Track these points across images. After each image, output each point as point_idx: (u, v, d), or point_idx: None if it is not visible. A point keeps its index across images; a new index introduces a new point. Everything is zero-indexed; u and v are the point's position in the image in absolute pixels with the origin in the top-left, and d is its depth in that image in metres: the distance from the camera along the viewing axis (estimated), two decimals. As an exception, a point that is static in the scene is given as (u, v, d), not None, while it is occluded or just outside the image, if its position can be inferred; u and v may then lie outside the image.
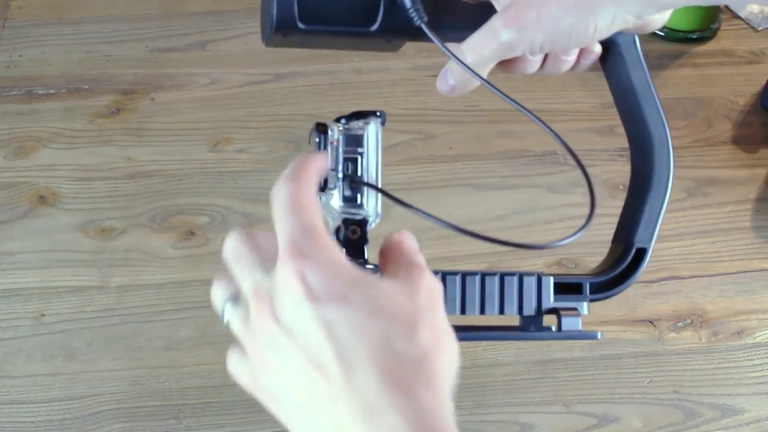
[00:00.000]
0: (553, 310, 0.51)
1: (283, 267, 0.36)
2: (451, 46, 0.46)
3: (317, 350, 0.35)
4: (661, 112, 0.51)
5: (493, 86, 0.46)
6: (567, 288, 0.52)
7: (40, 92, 0.90)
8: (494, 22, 0.45)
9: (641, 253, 0.53)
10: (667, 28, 0.97)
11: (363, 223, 0.45)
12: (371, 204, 0.45)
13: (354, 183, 0.44)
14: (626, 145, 0.83)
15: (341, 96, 0.89)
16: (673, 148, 0.51)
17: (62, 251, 0.77)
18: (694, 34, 0.97)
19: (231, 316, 0.41)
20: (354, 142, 0.45)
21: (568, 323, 0.50)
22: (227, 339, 0.74)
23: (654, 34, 0.97)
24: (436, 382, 0.38)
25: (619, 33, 0.47)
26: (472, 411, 0.68)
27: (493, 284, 0.49)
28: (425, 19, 0.45)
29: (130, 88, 0.91)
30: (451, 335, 0.39)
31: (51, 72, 0.92)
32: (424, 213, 0.42)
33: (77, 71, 0.93)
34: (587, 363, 0.71)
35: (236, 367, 0.40)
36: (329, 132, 0.45)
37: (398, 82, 0.92)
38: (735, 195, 0.83)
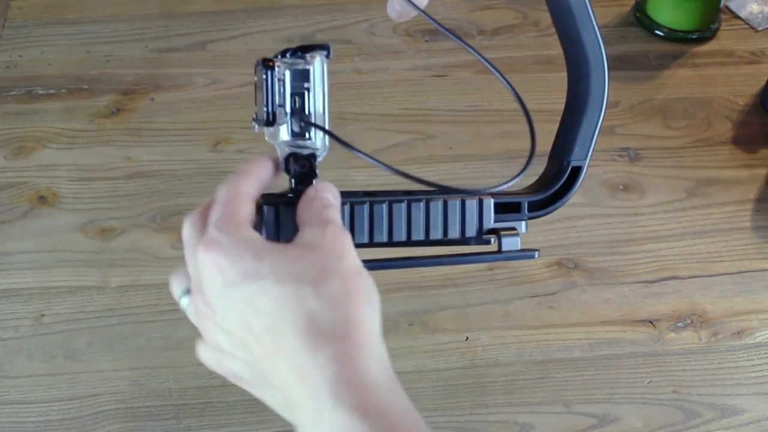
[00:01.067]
0: (492, 231, 0.51)
1: (201, 260, 0.39)
2: None
3: (247, 328, 0.38)
4: (597, 33, 0.50)
5: (429, 17, 0.48)
6: (506, 207, 0.52)
7: (40, 92, 0.90)
8: None
9: (576, 171, 0.54)
10: (667, 28, 0.97)
11: (312, 157, 0.46)
12: (319, 137, 0.46)
13: (303, 122, 0.45)
14: (626, 145, 0.84)
15: (341, 96, 0.89)
16: (608, 70, 0.51)
17: (62, 251, 0.77)
18: (694, 34, 0.97)
19: (186, 307, 0.44)
20: (300, 77, 0.46)
21: (508, 243, 0.50)
22: (227, 339, 0.74)
23: (654, 34, 0.97)
24: (354, 330, 0.40)
25: None
26: (472, 411, 0.68)
27: (437, 209, 0.49)
28: None
29: (130, 88, 0.91)
30: (364, 276, 0.41)
31: (51, 72, 0.92)
32: (366, 155, 0.43)
33: (77, 71, 0.93)
34: (587, 363, 0.71)
35: (202, 353, 0.43)
36: (276, 68, 0.45)
37: (398, 82, 0.92)
38: (735, 195, 0.83)
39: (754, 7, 1.01)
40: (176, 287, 0.44)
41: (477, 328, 0.73)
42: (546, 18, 0.99)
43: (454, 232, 0.50)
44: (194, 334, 0.74)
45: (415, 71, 0.93)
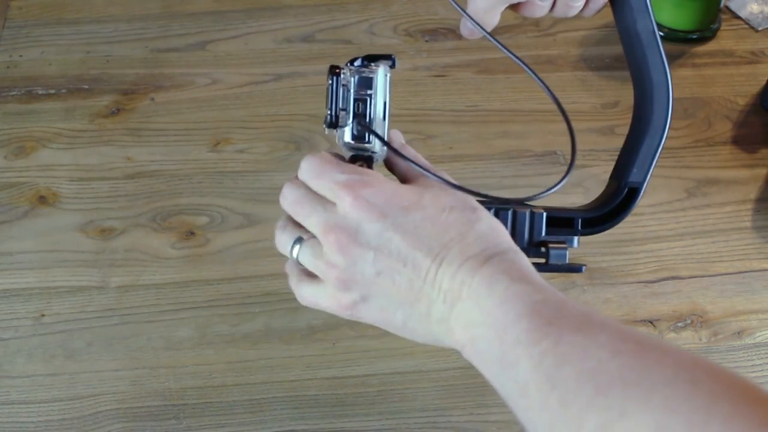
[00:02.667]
0: (542, 243, 0.52)
1: (351, 199, 0.44)
2: None
3: (406, 252, 0.43)
4: (664, 57, 0.53)
5: (494, 39, 0.51)
6: (559, 222, 0.54)
7: (40, 92, 0.90)
8: None
9: (633, 192, 0.55)
10: (668, 28, 0.97)
11: (370, 159, 0.50)
12: (377, 142, 0.49)
13: (361, 126, 0.49)
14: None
15: (341, 96, 0.89)
16: (673, 94, 0.53)
17: (62, 251, 0.77)
18: (694, 34, 0.97)
19: (301, 254, 0.47)
20: (364, 84, 0.49)
21: (556, 255, 0.52)
22: (227, 339, 0.75)
23: (654, 34, 0.97)
24: (516, 249, 0.45)
25: None
26: (473, 411, 0.68)
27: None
28: None
29: (130, 88, 0.91)
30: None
31: (51, 72, 0.92)
32: (419, 166, 0.47)
33: (77, 71, 0.93)
34: (587, 363, 0.71)
35: (315, 295, 0.47)
36: (342, 74, 0.49)
37: (398, 82, 0.92)
38: (735, 195, 0.83)
39: (754, 7, 1.01)
40: (286, 237, 0.49)
41: (477, 328, 0.73)
42: (546, 18, 0.99)
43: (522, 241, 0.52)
44: (195, 334, 0.74)
45: (415, 71, 0.93)
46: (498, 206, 0.51)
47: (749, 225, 0.81)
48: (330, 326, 0.72)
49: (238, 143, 0.86)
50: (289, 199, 0.48)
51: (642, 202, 0.82)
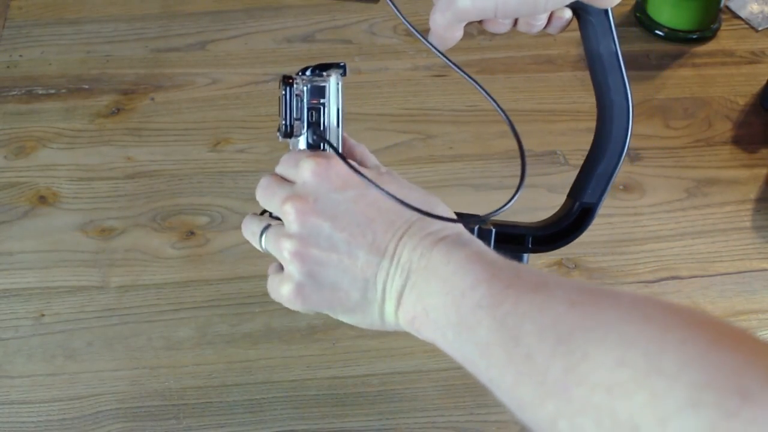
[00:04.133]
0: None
1: (313, 166, 0.45)
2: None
3: (366, 224, 0.44)
4: (626, 81, 0.52)
5: (447, 59, 0.53)
6: (510, 239, 0.54)
7: (40, 92, 0.90)
8: None
9: (587, 212, 0.55)
10: (668, 28, 0.97)
11: None
12: (330, 150, 0.50)
13: (316, 135, 0.50)
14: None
15: (341, 96, 0.89)
16: (633, 117, 0.52)
17: (62, 251, 0.77)
18: (694, 34, 0.97)
19: (265, 240, 0.48)
20: (317, 93, 0.50)
21: None
22: (227, 339, 0.75)
23: (654, 33, 0.97)
24: (460, 228, 0.46)
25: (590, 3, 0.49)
26: (472, 411, 0.68)
27: None
28: None
29: (130, 88, 0.91)
30: None
31: (51, 72, 0.92)
32: (368, 180, 0.47)
33: (77, 71, 0.93)
34: (587, 363, 0.71)
35: (273, 282, 0.48)
36: (295, 84, 0.50)
37: (398, 82, 0.92)
38: (735, 195, 0.83)
39: (754, 7, 1.01)
40: (253, 227, 0.50)
41: (477, 328, 0.73)
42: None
43: None
44: (195, 334, 0.74)
45: (415, 71, 0.93)
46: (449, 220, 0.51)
47: (749, 225, 0.81)
48: (330, 326, 0.72)
49: (238, 143, 0.86)
50: (260, 187, 0.50)
51: (642, 202, 0.82)
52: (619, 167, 0.54)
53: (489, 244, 0.52)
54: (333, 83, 0.50)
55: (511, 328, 0.38)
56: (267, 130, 0.87)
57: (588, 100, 0.90)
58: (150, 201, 0.81)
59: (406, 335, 0.72)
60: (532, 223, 0.56)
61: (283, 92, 0.50)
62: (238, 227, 0.79)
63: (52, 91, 0.91)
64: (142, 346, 0.71)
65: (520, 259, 0.54)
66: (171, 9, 0.99)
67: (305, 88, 0.50)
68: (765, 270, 0.78)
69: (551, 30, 0.52)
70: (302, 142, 0.51)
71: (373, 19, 0.98)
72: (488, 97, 0.51)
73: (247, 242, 0.78)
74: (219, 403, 0.68)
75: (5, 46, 0.95)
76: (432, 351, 0.72)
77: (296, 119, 0.50)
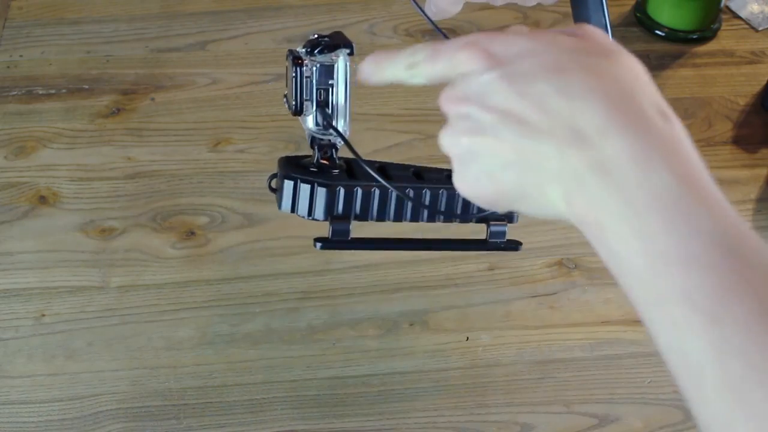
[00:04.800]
0: (483, 219, 0.54)
1: (510, 40, 0.37)
2: None
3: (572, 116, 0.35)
4: (607, 21, 0.54)
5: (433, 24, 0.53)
6: None
7: (40, 92, 0.90)
8: None
9: None
10: (668, 28, 0.97)
11: (333, 147, 0.52)
12: (340, 127, 0.51)
13: (323, 117, 0.50)
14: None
15: (341, 96, 0.89)
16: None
17: (62, 251, 0.77)
18: (694, 34, 0.97)
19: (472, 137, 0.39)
20: (326, 73, 0.50)
21: (495, 233, 0.54)
22: (227, 339, 0.75)
23: (654, 34, 0.97)
24: (668, 109, 0.39)
25: None
26: (472, 411, 0.68)
27: (437, 196, 0.54)
28: None
29: (130, 88, 0.91)
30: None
31: (51, 72, 0.92)
32: (365, 163, 0.48)
33: (77, 71, 0.93)
34: (587, 363, 0.71)
35: (472, 179, 0.40)
36: (305, 66, 0.50)
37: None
38: (736, 195, 0.83)
39: (755, 7, 1.01)
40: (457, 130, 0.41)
41: (477, 328, 0.73)
42: (546, 18, 0.99)
43: (455, 217, 0.54)
44: (195, 334, 0.74)
45: (416, 71, 0.93)
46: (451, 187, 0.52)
47: (749, 225, 0.81)
48: (330, 326, 0.72)
49: (238, 143, 0.86)
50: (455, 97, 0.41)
51: (642, 202, 0.82)
52: None
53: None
54: (342, 64, 0.50)
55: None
56: (267, 130, 0.87)
57: (588, 100, 0.90)
58: (150, 201, 0.81)
59: (406, 335, 0.72)
60: None
61: (293, 73, 0.49)
62: (239, 227, 0.79)
63: (52, 91, 0.91)
64: (142, 346, 0.71)
65: (510, 219, 0.55)
66: (171, 9, 0.99)
67: (314, 68, 0.50)
68: (765, 270, 0.77)
69: (545, 1, 0.52)
70: (310, 122, 0.51)
71: (373, 19, 0.98)
72: None
73: (248, 242, 0.78)
74: (219, 403, 0.68)
75: (5, 46, 0.95)
76: (432, 351, 0.72)
77: (306, 99, 0.50)
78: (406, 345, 0.72)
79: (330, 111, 0.50)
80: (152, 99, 0.90)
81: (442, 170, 0.56)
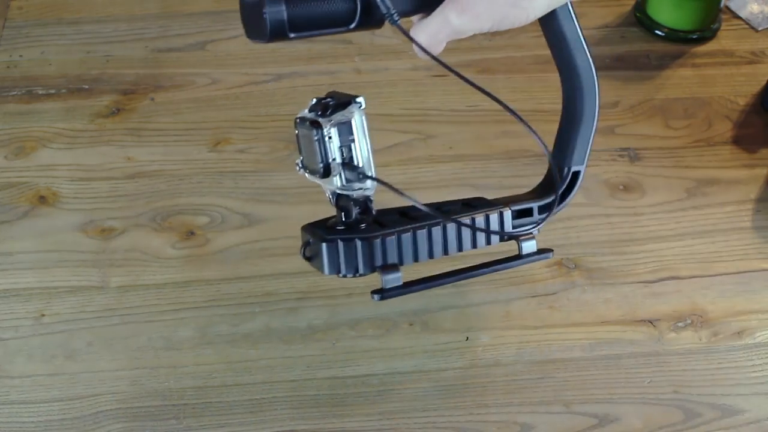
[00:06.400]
0: (512, 238, 0.58)
1: None
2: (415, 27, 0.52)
3: None
4: (589, 57, 0.57)
5: (444, 64, 0.53)
6: (522, 213, 0.59)
7: (40, 92, 0.90)
8: (446, 11, 0.50)
9: (576, 175, 0.61)
10: (668, 28, 0.97)
11: (368, 200, 0.53)
12: (369, 182, 0.52)
13: (353, 171, 0.51)
14: (626, 145, 0.84)
15: (341, 96, 0.89)
16: (599, 86, 0.59)
17: (62, 251, 0.77)
18: (694, 34, 0.97)
19: None
20: (345, 131, 0.51)
21: (527, 246, 0.58)
22: (227, 339, 0.75)
23: (654, 33, 0.97)
24: None
25: None
26: (472, 411, 0.68)
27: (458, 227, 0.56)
28: (397, 19, 0.50)
29: (130, 88, 0.91)
30: None
31: (51, 72, 0.92)
32: (414, 200, 0.49)
33: (77, 71, 0.93)
34: (587, 363, 0.71)
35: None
36: (324, 128, 0.50)
37: (398, 82, 0.92)
38: (735, 195, 0.83)
39: (754, 7, 1.01)
40: None
41: (477, 328, 0.73)
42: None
43: (481, 242, 0.57)
44: (195, 334, 0.74)
45: (415, 71, 0.93)
46: (473, 212, 0.56)
47: (749, 225, 0.81)
48: (330, 326, 0.73)
49: (238, 143, 0.86)
50: None
51: (642, 202, 0.82)
52: (595, 130, 0.60)
53: (509, 224, 0.58)
54: (358, 117, 0.51)
55: None
56: (267, 130, 0.87)
57: (588, 100, 0.90)
58: (150, 201, 0.81)
59: (406, 335, 0.72)
60: (524, 194, 0.61)
61: (316, 137, 0.50)
62: (239, 227, 0.79)
63: (52, 91, 0.91)
64: (142, 346, 0.71)
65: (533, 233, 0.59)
66: (171, 9, 0.99)
67: (334, 129, 0.51)
68: (765, 270, 0.78)
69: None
70: (337, 181, 0.51)
71: (373, 19, 0.97)
72: (509, 111, 0.54)
73: (248, 242, 0.78)
74: (219, 403, 0.68)
75: (5, 46, 0.95)
76: (432, 351, 0.72)
77: (332, 160, 0.51)
78: (405, 345, 0.72)
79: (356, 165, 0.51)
80: (152, 99, 0.90)
81: (456, 201, 0.59)
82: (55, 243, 0.78)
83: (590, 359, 0.71)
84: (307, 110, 0.53)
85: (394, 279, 0.53)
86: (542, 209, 0.60)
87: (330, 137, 0.50)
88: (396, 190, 0.48)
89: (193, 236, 0.78)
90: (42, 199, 0.81)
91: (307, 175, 0.53)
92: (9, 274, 0.75)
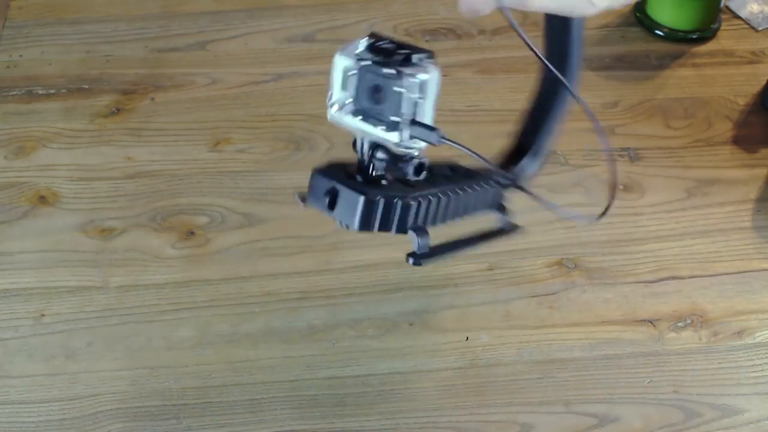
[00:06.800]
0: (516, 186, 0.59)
1: None
2: None
3: None
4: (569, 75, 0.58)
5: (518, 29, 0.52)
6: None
7: (40, 92, 0.90)
8: None
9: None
10: (668, 28, 0.97)
11: (424, 165, 0.51)
12: (424, 143, 0.48)
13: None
14: (626, 145, 0.84)
15: (341, 96, 0.89)
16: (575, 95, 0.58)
17: (62, 251, 0.77)
18: (694, 34, 0.97)
19: None
20: (425, 87, 0.47)
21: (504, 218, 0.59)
22: (227, 339, 0.75)
23: (654, 33, 0.97)
24: None
25: None
26: (472, 411, 0.68)
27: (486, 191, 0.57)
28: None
29: (130, 88, 0.91)
30: None
31: (51, 72, 0.93)
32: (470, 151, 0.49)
33: (77, 71, 0.93)
34: (587, 363, 0.71)
35: None
36: (404, 78, 0.46)
37: (398, 82, 0.92)
38: (735, 195, 0.83)
39: (754, 7, 1.01)
40: None
41: (477, 328, 0.73)
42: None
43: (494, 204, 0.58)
44: (195, 334, 0.74)
45: (415, 71, 0.93)
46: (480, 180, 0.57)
47: (749, 225, 0.81)
48: (330, 326, 0.73)
49: (238, 143, 0.86)
50: None
51: (642, 202, 0.82)
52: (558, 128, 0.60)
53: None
54: (434, 76, 0.47)
55: None
56: (267, 130, 0.87)
57: (588, 100, 0.90)
58: (150, 201, 0.81)
59: (406, 335, 0.72)
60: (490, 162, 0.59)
61: (396, 88, 0.46)
62: (239, 227, 0.79)
63: (52, 91, 0.91)
64: (142, 346, 0.71)
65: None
66: (171, 9, 1.00)
67: (417, 82, 0.46)
68: (765, 270, 0.78)
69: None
70: (398, 136, 0.47)
71: (373, 18, 0.98)
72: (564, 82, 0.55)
73: (248, 242, 0.78)
74: (219, 403, 0.68)
75: (5, 46, 0.95)
76: (432, 351, 0.72)
77: (403, 114, 0.46)
78: (405, 345, 0.72)
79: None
80: (152, 99, 0.90)
81: (443, 165, 0.58)
82: (55, 243, 0.78)
83: (590, 359, 0.71)
84: (362, 48, 0.48)
85: (424, 244, 0.50)
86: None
87: (414, 90, 0.46)
88: (476, 154, 0.49)
89: (193, 236, 0.78)
90: (42, 199, 0.81)
91: (345, 116, 0.48)
92: (9, 274, 0.75)
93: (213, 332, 0.72)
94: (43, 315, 0.73)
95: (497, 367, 0.71)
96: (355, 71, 0.48)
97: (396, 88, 0.46)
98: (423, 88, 0.47)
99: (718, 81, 0.93)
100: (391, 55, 0.47)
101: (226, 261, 0.77)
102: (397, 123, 0.47)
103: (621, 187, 0.83)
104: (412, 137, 0.47)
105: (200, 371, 0.70)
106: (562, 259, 0.77)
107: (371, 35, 0.49)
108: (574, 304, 0.75)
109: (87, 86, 0.91)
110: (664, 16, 0.97)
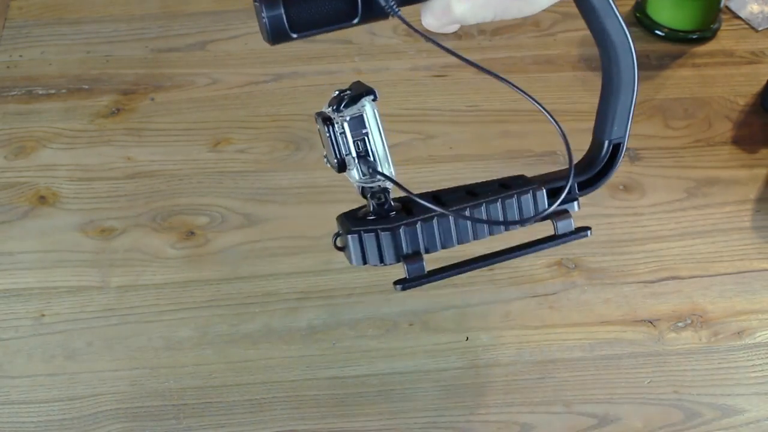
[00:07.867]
0: (547, 218, 0.56)
1: None
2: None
3: None
4: (622, 23, 0.55)
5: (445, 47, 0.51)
6: (557, 191, 0.56)
7: (40, 92, 0.90)
8: None
9: (617, 147, 0.58)
10: (668, 28, 0.97)
11: (385, 191, 0.53)
12: (385, 171, 0.52)
13: (367, 166, 0.52)
14: (626, 145, 0.83)
15: (341, 96, 0.89)
16: (636, 54, 0.56)
17: (62, 251, 0.77)
18: (694, 34, 0.97)
19: None
20: (357, 124, 0.52)
21: (563, 226, 0.56)
22: (227, 339, 0.75)
23: (654, 34, 0.97)
24: None
25: None
26: (472, 411, 0.68)
27: (496, 209, 0.55)
28: (398, 11, 0.50)
29: (130, 88, 0.91)
30: None
31: (51, 72, 0.93)
32: (419, 198, 0.50)
33: (77, 71, 0.93)
34: (587, 363, 0.71)
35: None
36: (335, 123, 0.51)
37: (398, 82, 0.92)
38: (735, 195, 0.83)
39: (754, 7, 1.01)
40: None
41: (477, 328, 0.73)
42: (546, 18, 0.99)
43: (514, 226, 0.55)
44: (195, 334, 0.74)
45: (415, 71, 0.93)
46: (503, 196, 0.55)
47: (749, 225, 0.81)
48: (330, 326, 0.73)
49: (238, 143, 0.86)
50: None
51: (642, 202, 0.82)
52: (635, 100, 0.57)
53: (543, 204, 0.56)
54: (369, 110, 0.52)
55: None
56: (267, 130, 0.87)
57: (588, 101, 0.90)
58: (150, 201, 0.81)
59: (406, 335, 0.72)
60: (565, 169, 0.58)
61: (327, 133, 0.51)
62: (239, 227, 0.79)
63: (52, 91, 0.91)
64: (142, 346, 0.71)
65: (571, 208, 0.57)
66: (171, 9, 1.00)
67: (345, 123, 0.51)
68: (765, 270, 0.78)
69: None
70: (355, 174, 0.52)
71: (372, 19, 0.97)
72: (532, 100, 0.54)
73: (248, 242, 0.78)
74: (219, 403, 0.68)
75: (5, 46, 0.95)
76: (432, 351, 0.72)
77: (346, 154, 0.51)
78: (405, 345, 0.72)
79: (372, 158, 0.52)
80: (152, 99, 0.90)
81: (493, 182, 0.58)
82: (55, 243, 0.78)
83: (590, 359, 0.71)
84: (327, 104, 0.53)
85: (417, 268, 0.52)
86: (581, 186, 0.59)
87: (342, 132, 0.51)
88: (403, 188, 0.49)
89: (193, 236, 0.78)
90: (42, 199, 0.81)
91: (334, 169, 0.53)
92: (9, 274, 0.75)
93: (213, 332, 0.72)
94: (43, 315, 0.73)
95: (497, 367, 0.71)
96: (318, 128, 0.53)
97: (327, 134, 0.51)
98: (356, 125, 0.51)
99: (718, 81, 0.94)
100: (337, 102, 0.52)
101: (225, 261, 0.77)
102: (344, 163, 0.51)
103: (621, 187, 0.83)
104: (364, 174, 0.52)
105: (200, 371, 0.70)
106: (562, 259, 0.77)
107: (344, 88, 0.53)
108: (574, 304, 0.75)
109: (87, 86, 0.91)
110: (664, 16, 0.97)
